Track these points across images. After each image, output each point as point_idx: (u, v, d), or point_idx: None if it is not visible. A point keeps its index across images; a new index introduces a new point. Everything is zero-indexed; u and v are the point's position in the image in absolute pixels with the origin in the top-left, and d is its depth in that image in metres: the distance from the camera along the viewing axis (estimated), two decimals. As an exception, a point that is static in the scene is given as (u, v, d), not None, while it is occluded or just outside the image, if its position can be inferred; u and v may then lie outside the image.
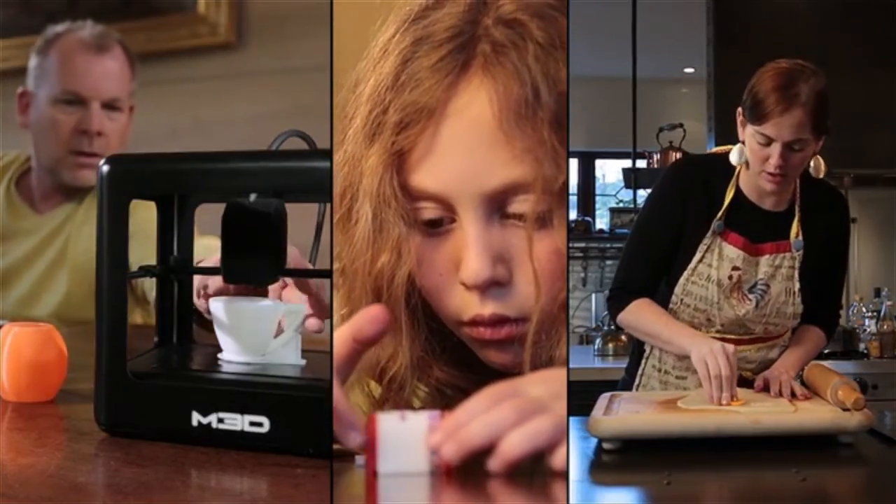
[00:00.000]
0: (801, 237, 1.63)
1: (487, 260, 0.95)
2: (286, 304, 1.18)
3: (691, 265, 1.63)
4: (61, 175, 2.21)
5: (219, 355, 1.12)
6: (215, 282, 1.26)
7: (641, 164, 3.52)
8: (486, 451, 0.77)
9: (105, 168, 1.05)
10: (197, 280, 1.22)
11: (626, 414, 1.42)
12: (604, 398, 1.50)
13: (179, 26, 3.12)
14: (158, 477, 0.93)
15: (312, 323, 1.20)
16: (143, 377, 1.05)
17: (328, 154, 0.98)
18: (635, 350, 1.80)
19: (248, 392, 1.00)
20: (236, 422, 0.99)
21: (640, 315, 1.64)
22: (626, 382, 1.78)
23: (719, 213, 1.62)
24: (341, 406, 0.81)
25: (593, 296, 3.69)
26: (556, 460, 0.77)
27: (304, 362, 1.12)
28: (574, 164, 4.02)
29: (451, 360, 1.04)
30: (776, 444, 1.35)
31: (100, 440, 1.05)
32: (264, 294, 1.24)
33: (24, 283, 2.20)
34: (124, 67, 2.24)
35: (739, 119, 1.58)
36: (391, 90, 0.96)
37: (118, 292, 1.05)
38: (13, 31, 3.05)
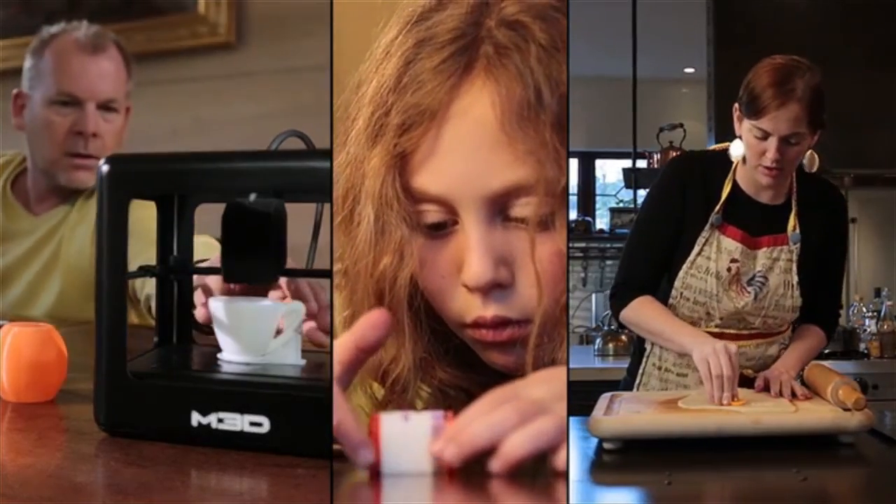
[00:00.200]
0: (797, 231, 1.65)
1: (490, 262, 0.95)
2: (286, 304, 1.18)
3: (690, 258, 1.65)
4: (57, 177, 2.18)
5: (218, 355, 1.12)
6: (213, 284, 1.26)
7: (642, 164, 3.52)
8: (488, 452, 0.77)
9: (105, 168, 1.05)
10: (196, 295, 1.22)
11: (627, 414, 1.42)
12: (604, 398, 1.50)
13: (179, 26, 3.12)
14: (158, 477, 0.93)
15: (316, 335, 1.20)
16: (142, 377, 1.05)
17: (328, 154, 0.98)
18: (636, 350, 1.80)
19: (247, 392, 1.00)
20: (236, 422, 0.99)
21: (642, 312, 1.65)
22: (627, 382, 1.79)
23: (717, 207, 1.64)
24: (348, 425, 0.79)
25: (593, 296, 3.69)
26: (558, 461, 0.77)
27: (304, 362, 1.12)
28: (574, 164, 4.02)
29: (454, 362, 1.03)
30: (777, 444, 1.35)
31: (100, 440, 1.05)
32: (264, 295, 1.24)
33: (20, 285, 2.20)
34: (120, 68, 2.22)
35: (736, 114, 1.61)
36: (393, 92, 0.96)
37: (118, 292, 1.05)
38: (13, 31, 3.04)
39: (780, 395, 1.48)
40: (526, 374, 0.94)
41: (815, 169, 1.64)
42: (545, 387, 0.81)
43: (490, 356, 0.99)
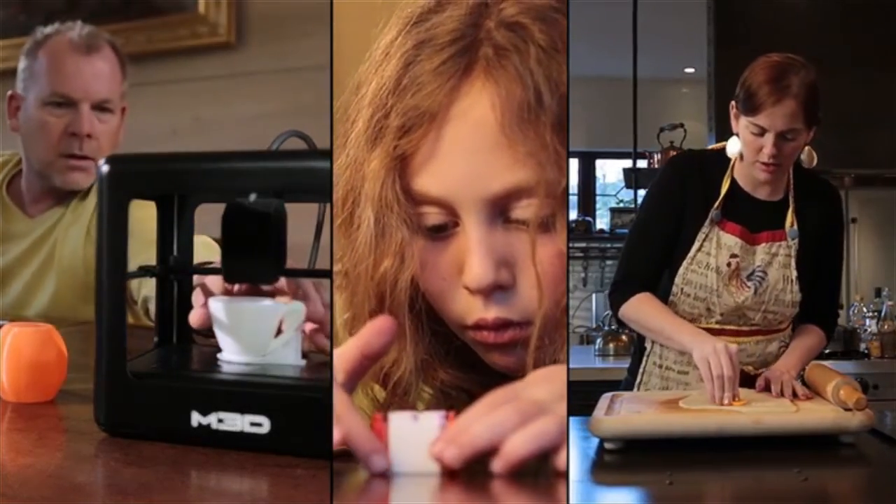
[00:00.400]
0: (795, 226, 1.67)
1: (490, 264, 0.95)
2: (286, 304, 1.18)
3: (690, 254, 1.67)
4: (51, 178, 2.17)
5: (218, 355, 1.12)
6: (212, 285, 1.25)
7: (642, 164, 3.52)
8: (489, 454, 0.77)
9: (105, 168, 1.05)
10: (193, 296, 1.21)
11: (628, 414, 1.42)
12: (605, 398, 1.50)
13: (179, 26, 3.12)
14: (158, 477, 0.93)
15: (319, 339, 1.19)
16: (142, 377, 1.04)
17: (328, 154, 0.98)
18: (637, 349, 1.81)
19: (247, 392, 1.00)
20: (236, 422, 0.99)
21: (641, 309, 1.66)
22: (628, 382, 1.79)
23: (716, 203, 1.66)
24: (359, 432, 0.78)
25: (594, 296, 3.69)
26: (559, 461, 0.77)
27: (304, 362, 1.12)
28: (574, 164, 4.02)
29: (456, 363, 1.03)
30: (778, 444, 1.35)
31: (100, 440, 1.05)
32: (265, 295, 1.24)
33: (17, 286, 2.19)
34: (115, 68, 2.19)
35: (733, 112, 1.64)
36: (393, 94, 0.96)
37: (118, 292, 1.05)
38: (13, 31, 3.04)
39: (782, 394, 1.48)
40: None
41: (813, 165, 1.67)
42: (546, 387, 0.81)
43: (491, 358, 0.99)
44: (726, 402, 1.44)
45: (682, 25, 3.50)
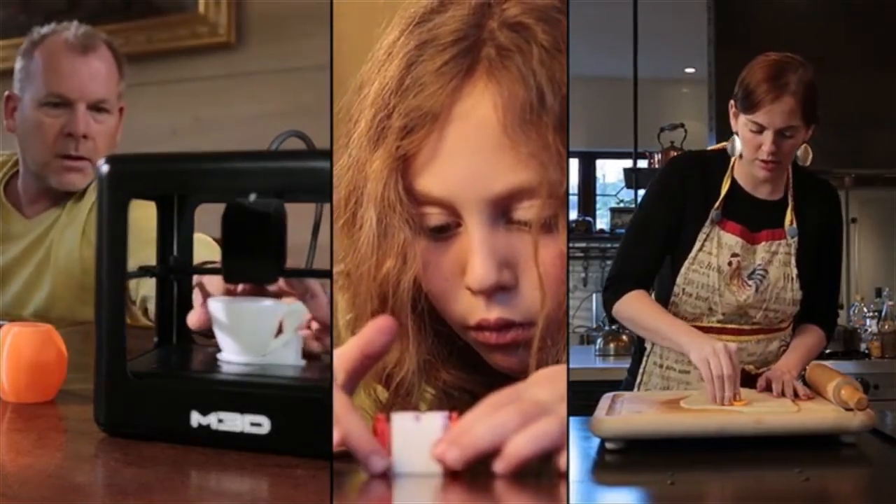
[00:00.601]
0: (794, 225, 1.68)
1: (493, 265, 0.94)
2: (286, 304, 1.18)
3: (692, 254, 1.68)
4: (48, 179, 2.15)
5: (218, 355, 1.12)
6: (212, 286, 1.25)
7: (642, 164, 3.52)
8: (491, 455, 0.76)
9: (105, 168, 1.05)
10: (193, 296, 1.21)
11: (629, 414, 1.42)
12: (606, 398, 1.50)
13: (179, 26, 3.11)
14: (158, 477, 0.93)
15: (328, 340, 1.19)
16: (142, 377, 1.04)
17: (329, 154, 0.98)
18: (637, 349, 1.81)
19: (247, 392, 1.00)
20: (236, 422, 0.98)
21: (637, 307, 1.66)
22: (629, 382, 1.79)
23: (716, 203, 1.67)
24: (358, 433, 0.78)
25: (594, 296, 3.68)
26: (559, 461, 0.77)
27: (304, 363, 1.12)
28: (574, 164, 4.02)
29: (458, 363, 1.03)
30: (779, 443, 1.35)
31: (99, 440, 1.04)
32: (265, 295, 1.24)
33: (14, 287, 2.19)
34: (111, 68, 2.17)
35: (732, 111, 1.66)
36: (395, 94, 0.96)
37: (118, 292, 1.05)
38: (13, 31, 3.04)
39: (783, 394, 1.48)
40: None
41: (808, 162, 1.68)
42: (547, 388, 0.81)
43: (494, 358, 0.99)
44: (727, 401, 1.44)
45: (682, 25, 3.50)
